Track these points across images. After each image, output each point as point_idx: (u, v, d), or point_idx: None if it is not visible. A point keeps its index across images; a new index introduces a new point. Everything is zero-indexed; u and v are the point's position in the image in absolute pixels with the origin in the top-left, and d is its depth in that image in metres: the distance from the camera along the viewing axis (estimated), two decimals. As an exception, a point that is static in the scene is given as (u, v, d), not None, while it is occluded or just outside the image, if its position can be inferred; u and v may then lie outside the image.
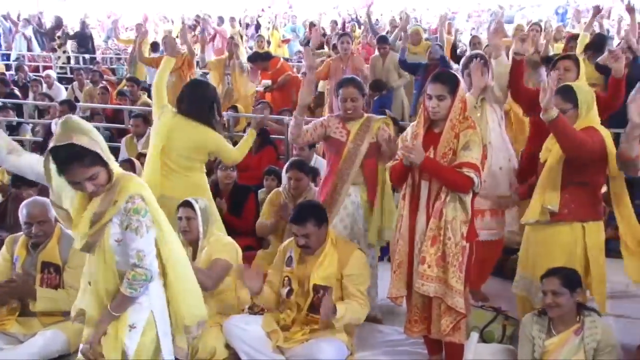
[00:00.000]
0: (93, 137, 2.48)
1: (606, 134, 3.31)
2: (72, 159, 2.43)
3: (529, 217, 3.43)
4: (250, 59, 8.42)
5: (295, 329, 3.46)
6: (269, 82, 8.30)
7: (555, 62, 4.09)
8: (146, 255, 2.55)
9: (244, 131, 6.85)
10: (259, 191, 5.26)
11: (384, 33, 9.51)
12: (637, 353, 3.18)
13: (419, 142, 3.13)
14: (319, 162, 5.38)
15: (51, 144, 2.45)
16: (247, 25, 16.35)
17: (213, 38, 11.83)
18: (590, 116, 3.33)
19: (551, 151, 3.36)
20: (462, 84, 3.19)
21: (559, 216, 3.35)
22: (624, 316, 3.82)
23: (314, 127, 3.91)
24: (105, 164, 2.51)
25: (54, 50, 13.11)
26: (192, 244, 3.69)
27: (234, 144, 6.80)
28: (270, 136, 6.54)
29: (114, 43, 15.08)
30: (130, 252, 2.55)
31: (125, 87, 8.83)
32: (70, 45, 13.35)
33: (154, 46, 10.25)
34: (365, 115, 3.94)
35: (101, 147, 2.50)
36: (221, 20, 15.00)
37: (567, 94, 3.32)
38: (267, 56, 8.46)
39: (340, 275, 3.42)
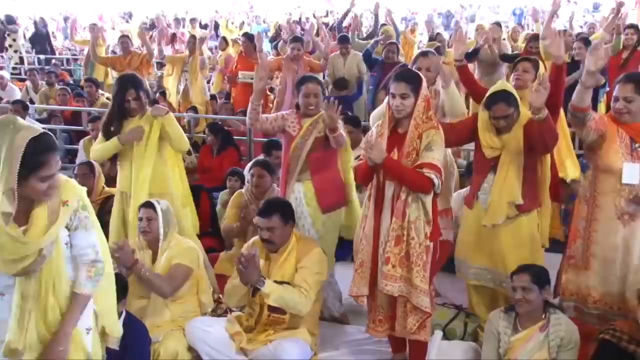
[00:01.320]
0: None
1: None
2: (52, 149, 2.24)
3: (497, 217, 3.47)
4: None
5: (259, 330, 3.45)
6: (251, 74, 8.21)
7: (515, 64, 4.18)
8: (99, 249, 2.44)
9: (204, 132, 6.81)
10: (222, 192, 5.23)
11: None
12: (587, 346, 3.26)
13: (379, 141, 3.14)
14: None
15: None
16: (206, 26, 16.22)
17: (172, 39, 11.68)
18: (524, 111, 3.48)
19: (506, 148, 3.43)
20: (425, 84, 3.21)
21: (523, 207, 3.45)
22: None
23: (275, 118, 3.92)
24: None
25: (5, 49, 12.77)
26: (152, 246, 3.65)
27: (194, 145, 6.81)
28: (233, 137, 6.50)
29: (72, 44, 14.75)
30: (85, 250, 2.41)
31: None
32: (22, 45, 12.99)
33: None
34: (321, 112, 3.94)
35: None
36: (177, 21, 14.84)
37: (508, 99, 3.43)
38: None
39: (295, 269, 3.41)
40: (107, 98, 8.85)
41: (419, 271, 3.11)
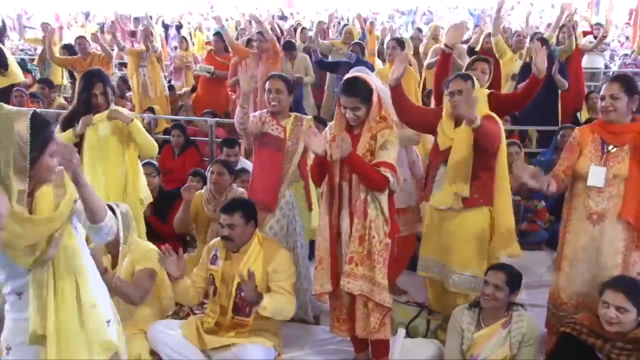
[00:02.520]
0: None
1: (499, 121, 3.53)
2: (48, 123, 2.23)
3: (441, 202, 3.53)
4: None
5: (221, 333, 3.42)
6: (211, 67, 8.14)
7: (472, 62, 4.22)
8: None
9: (164, 133, 6.73)
10: (184, 194, 5.15)
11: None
12: (550, 340, 3.32)
13: (347, 135, 3.15)
14: (243, 163, 5.34)
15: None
16: (168, 27, 16.03)
17: (132, 36, 11.51)
18: (482, 103, 3.53)
19: (455, 139, 3.47)
20: (376, 89, 3.22)
21: (470, 202, 3.48)
22: (538, 305, 3.97)
23: (255, 121, 3.88)
24: None
25: None
26: (111, 250, 3.58)
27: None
28: (194, 138, 6.44)
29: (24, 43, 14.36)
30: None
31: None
32: None
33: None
34: (293, 114, 3.97)
35: None
36: (137, 20, 14.62)
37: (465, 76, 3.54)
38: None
39: (266, 273, 3.41)
40: (66, 99, 8.70)
41: (380, 269, 3.15)
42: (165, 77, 8.91)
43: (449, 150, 3.50)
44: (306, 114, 6.64)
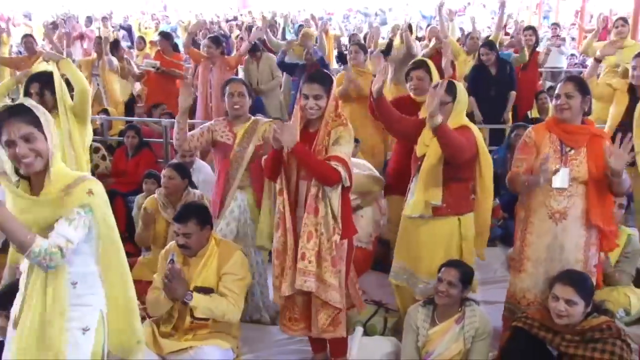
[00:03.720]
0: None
1: (477, 132, 3.51)
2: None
3: (414, 211, 3.53)
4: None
5: (178, 336, 3.39)
6: (156, 62, 8.00)
7: (407, 73, 4.22)
8: (69, 246, 2.25)
9: (120, 134, 6.60)
10: (139, 196, 5.07)
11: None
12: (503, 335, 3.40)
13: (290, 123, 3.15)
14: (200, 165, 5.29)
15: None
16: (120, 27, 15.77)
17: (80, 37, 11.26)
18: (462, 114, 3.53)
19: (429, 147, 3.48)
20: (335, 83, 3.27)
21: (440, 210, 3.49)
22: (490, 301, 4.06)
23: (201, 133, 3.88)
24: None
25: None
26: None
27: (108, 148, 6.59)
28: (148, 139, 6.33)
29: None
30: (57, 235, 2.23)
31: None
32: None
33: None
34: (252, 118, 3.95)
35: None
36: (89, 20, 14.33)
37: (449, 87, 3.44)
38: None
39: (219, 275, 3.39)
40: (13, 100, 8.44)
41: (327, 266, 3.16)
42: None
43: (423, 158, 3.52)
44: (269, 116, 6.71)
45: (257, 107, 7.20)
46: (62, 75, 3.97)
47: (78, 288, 2.35)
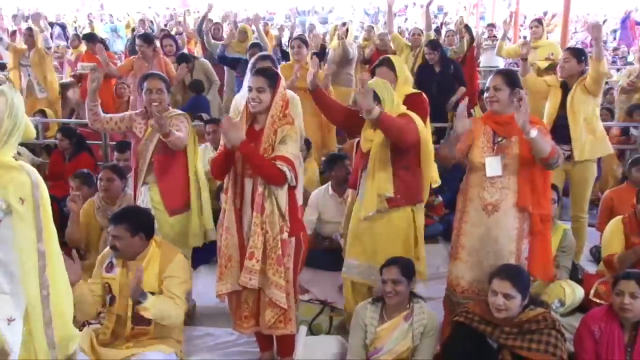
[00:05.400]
0: None
1: (418, 120, 3.57)
2: None
3: (369, 210, 3.54)
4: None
5: (119, 344, 3.31)
6: (93, 64, 7.75)
7: (372, 71, 4.26)
8: None
9: (56, 137, 6.40)
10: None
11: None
12: (445, 330, 3.46)
13: (238, 122, 3.14)
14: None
15: None
16: (52, 25, 15.26)
17: (13, 34, 10.85)
18: (406, 88, 3.66)
19: (373, 140, 3.52)
20: (283, 82, 3.26)
21: (395, 202, 3.53)
22: (434, 297, 4.13)
23: (121, 118, 3.86)
24: None
25: None
26: None
27: (45, 148, 6.39)
28: (87, 141, 6.17)
29: None
30: None
31: None
32: None
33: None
34: (171, 112, 3.88)
35: None
36: (15, 17, 13.80)
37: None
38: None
39: (161, 279, 3.33)
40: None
41: (271, 264, 3.17)
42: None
43: (369, 153, 3.55)
44: (211, 115, 6.63)
45: (203, 106, 7.13)
46: None
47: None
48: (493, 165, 3.36)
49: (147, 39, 6.92)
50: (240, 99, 4.15)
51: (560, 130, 4.54)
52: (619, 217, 4.22)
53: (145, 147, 3.77)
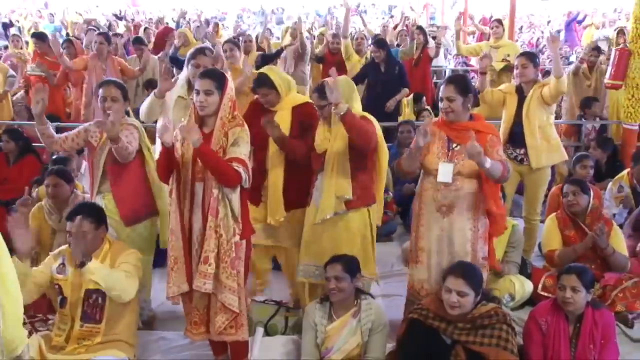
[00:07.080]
0: None
1: (375, 122, 3.61)
2: None
3: (326, 212, 3.53)
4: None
5: (70, 347, 3.23)
6: (44, 66, 7.55)
7: (254, 90, 4.23)
8: None
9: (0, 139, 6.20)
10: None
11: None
12: (401, 327, 3.50)
13: (194, 124, 3.11)
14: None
15: None
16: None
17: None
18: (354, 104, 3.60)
19: (331, 141, 3.53)
20: (231, 84, 3.24)
21: (352, 203, 3.54)
22: (388, 295, 4.17)
23: (77, 134, 3.76)
24: None
25: None
26: None
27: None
28: (33, 144, 5.99)
29: None
30: None
31: None
32: None
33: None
34: (126, 120, 3.81)
35: None
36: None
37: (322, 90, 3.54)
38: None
39: None
40: None
41: (225, 267, 3.15)
42: None
43: (325, 154, 3.55)
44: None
45: None
46: None
47: None
48: (445, 172, 3.40)
49: (108, 38, 7.05)
50: (171, 93, 4.09)
51: (517, 135, 4.66)
52: (554, 214, 4.37)
53: (98, 156, 3.70)
